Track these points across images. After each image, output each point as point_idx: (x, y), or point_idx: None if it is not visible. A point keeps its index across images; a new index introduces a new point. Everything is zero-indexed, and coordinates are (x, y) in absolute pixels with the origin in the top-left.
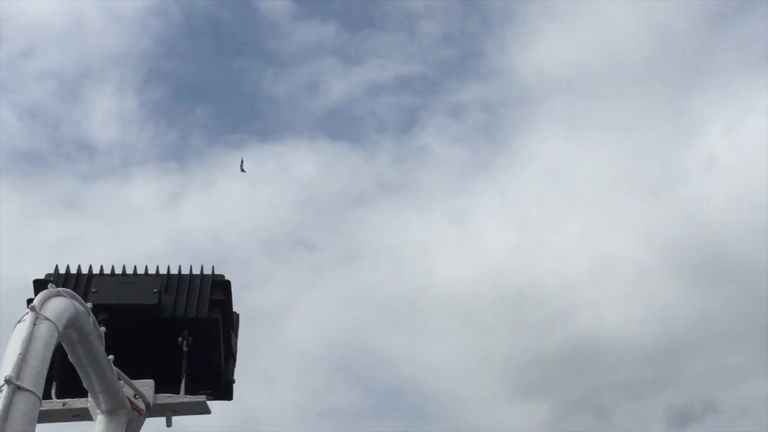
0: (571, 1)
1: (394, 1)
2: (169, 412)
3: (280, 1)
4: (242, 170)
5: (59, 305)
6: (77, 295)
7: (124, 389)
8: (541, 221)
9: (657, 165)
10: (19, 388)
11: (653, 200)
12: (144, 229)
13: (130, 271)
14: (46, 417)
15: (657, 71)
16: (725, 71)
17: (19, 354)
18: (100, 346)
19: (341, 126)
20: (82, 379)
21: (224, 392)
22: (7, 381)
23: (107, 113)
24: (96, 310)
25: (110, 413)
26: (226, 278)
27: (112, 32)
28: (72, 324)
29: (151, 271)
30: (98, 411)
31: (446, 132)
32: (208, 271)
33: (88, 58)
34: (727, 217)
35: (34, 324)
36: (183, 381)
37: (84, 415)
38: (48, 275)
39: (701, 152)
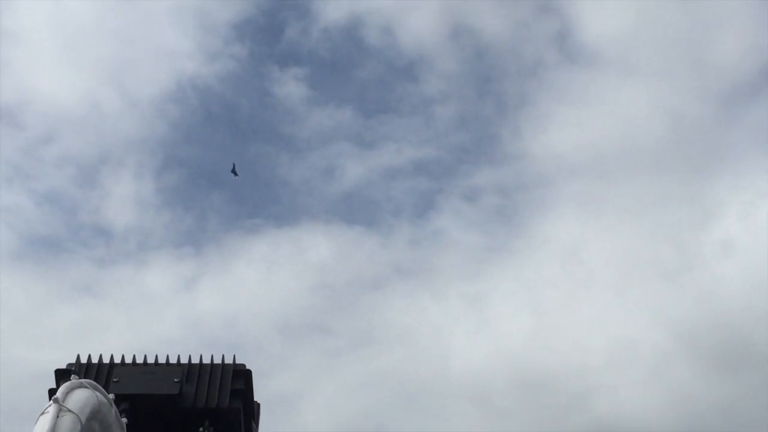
0: (585, 85)
1: (408, 86)
2: None
3: (296, 87)
4: (234, 173)
5: (82, 397)
6: (99, 386)
7: None
8: (558, 305)
9: (673, 248)
10: None
11: (670, 284)
12: (160, 314)
13: (150, 359)
14: None
15: (671, 155)
16: (740, 155)
17: None
18: None
19: (357, 210)
20: None
21: None
22: None
23: (124, 199)
24: (118, 400)
25: None
26: (247, 367)
27: (130, 118)
28: (95, 416)
29: (172, 359)
30: None
31: (462, 216)
32: (228, 360)
33: (105, 144)
34: (745, 301)
35: (57, 416)
36: None
37: None
38: (69, 365)
39: (717, 236)
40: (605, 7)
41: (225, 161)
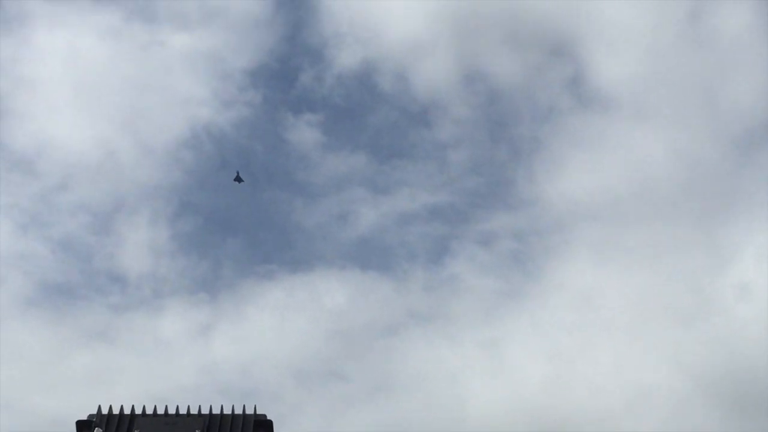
0: (599, 130)
1: (422, 132)
2: None
3: (310, 133)
4: (239, 180)
5: None
6: None
7: None
8: (574, 350)
9: (689, 292)
10: None
11: (687, 328)
12: (175, 361)
13: (171, 409)
14: None
15: (686, 199)
16: (755, 198)
17: None
18: None
19: (371, 256)
20: None
21: None
22: None
23: (139, 245)
24: None
25: None
26: (268, 417)
27: (145, 165)
28: None
29: (192, 409)
30: None
31: (476, 261)
32: (249, 410)
33: (120, 191)
34: (763, 345)
35: None
36: None
37: None
38: (90, 416)
39: (734, 279)
40: (618, 52)
41: (239, 207)
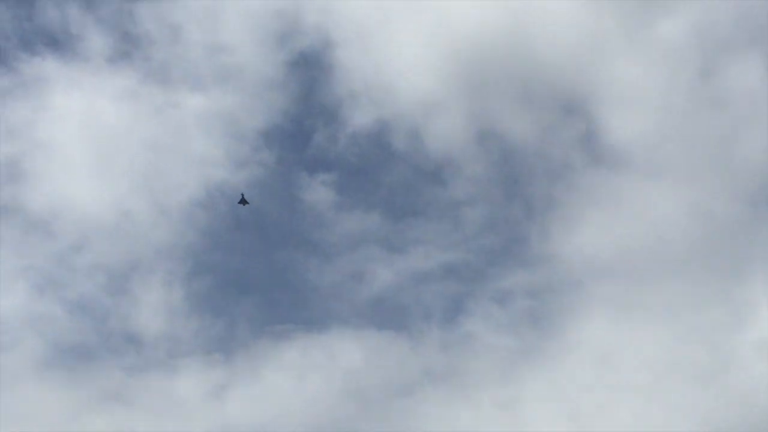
0: (613, 187)
1: (436, 190)
2: None
3: (324, 193)
4: (244, 202)
5: None
6: None
7: None
8: (593, 409)
9: (707, 350)
10: None
11: (706, 386)
12: (191, 422)
13: None
14: None
15: (702, 255)
16: None
17: None
18: None
19: (387, 315)
20: None
21: None
22: None
23: (154, 306)
24: None
25: None
26: None
27: (160, 225)
28: None
29: None
30: None
31: (492, 319)
32: None
33: (135, 252)
34: None
35: None
36: None
37: None
38: None
39: (752, 336)
40: (630, 109)
41: (254, 267)
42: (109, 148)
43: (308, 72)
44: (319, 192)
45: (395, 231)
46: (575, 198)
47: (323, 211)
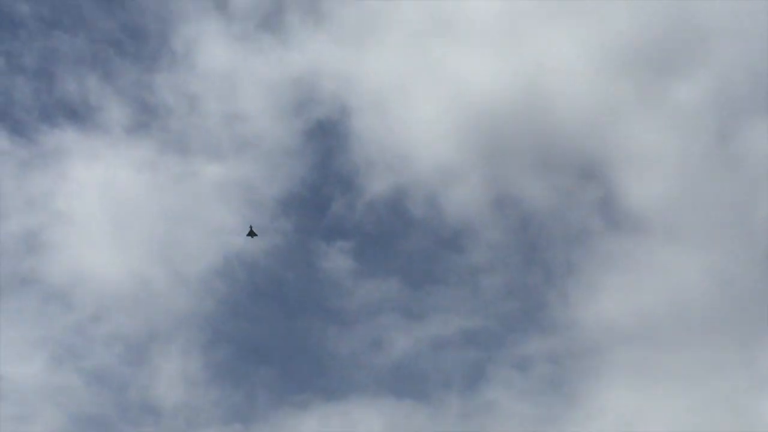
0: (631, 251)
1: (454, 257)
2: None
3: (342, 260)
4: (252, 234)
5: None
6: None
7: None
8: None
9: (730, 415)
10: None
11: None
12: None
13: None
14: None
15: (722, 319)
16: None
17: None
18: None
19: (406, 383)
20: None
21: None
22: None
23: (172, 376)
24: None
25: None
26: None
27: (178, 295)
28: None
29: None
30: None
31: (513, 386)
32: None
33: (154, 321)
34: None
35: None
36: None
37: None
38: None
39: None
40: (648, 173)
41: (273, 336)
42: (128, 217)
43: (325, 140)
44: (336, 260)
45: (414, 298)
46: (594, 263)
47: (341, 279)
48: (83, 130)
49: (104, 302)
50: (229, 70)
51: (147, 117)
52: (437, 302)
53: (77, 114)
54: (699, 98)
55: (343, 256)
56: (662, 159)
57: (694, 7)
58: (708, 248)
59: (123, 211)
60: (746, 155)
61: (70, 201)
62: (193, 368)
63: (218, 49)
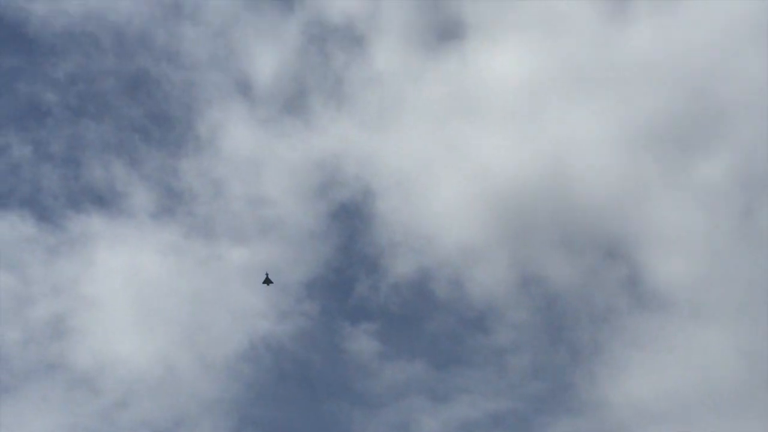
0: (659, 330)
1: (480, 338)
2: None
3: (367, 343)
4: (268, 282)
5: None
6: None
7: None
8: None
9: None
10: None
11: None
12: None
13: None
14: None
15: (753, 398)
16: None
17: None
18: None
19: None
20: None
21: None
22: None
23: None
24: None
25: None
26: None
27: (205, 380)
28: None
29: None
30: None
31: None
32: None
33: (180, 407)
34: None
35: None
36: None
37: None
38: None
39: None
40: (673, 251)
41: (300, 420)
42: (154, 302)
43: (349, 222)
44: (362, 342)
45: (440, 380)
46: (621, 342)
47: (367, 361)
48: (109, 215)
49: (130, 388)
50: (253, 154)
51: (172, 202)
52: (463, 384)
53: (103, 200)
54: (723, 175)
55: (368, 338)
56: (687, 236)
57: (715, 84)
58: (736, 326)
59: (149, 296)
60: None
61: (97, 286)
62: None
63: (242, 133)
